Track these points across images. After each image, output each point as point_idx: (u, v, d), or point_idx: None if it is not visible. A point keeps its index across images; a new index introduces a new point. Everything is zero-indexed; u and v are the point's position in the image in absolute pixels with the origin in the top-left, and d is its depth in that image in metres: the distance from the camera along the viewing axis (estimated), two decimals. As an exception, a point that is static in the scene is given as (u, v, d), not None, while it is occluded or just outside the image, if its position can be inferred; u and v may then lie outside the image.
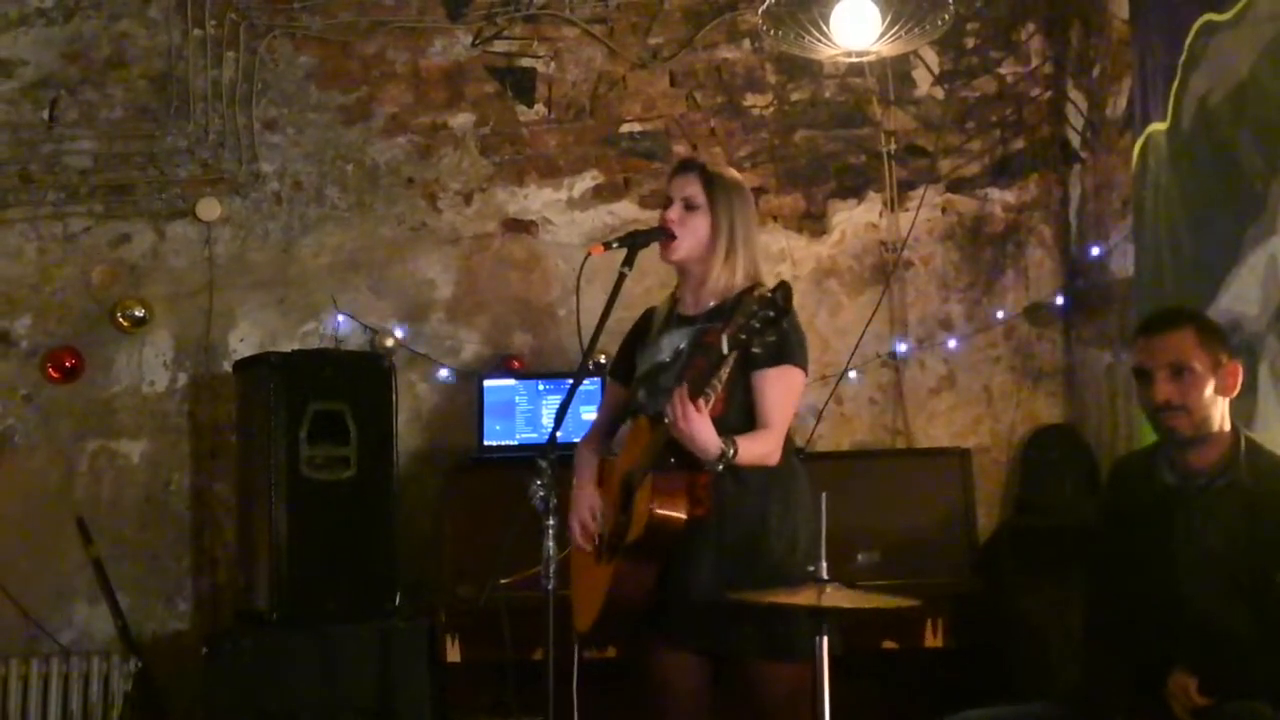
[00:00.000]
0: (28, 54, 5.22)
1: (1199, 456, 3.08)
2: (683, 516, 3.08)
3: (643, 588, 3.16)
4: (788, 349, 3.16)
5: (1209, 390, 3.04)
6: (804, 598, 2.88)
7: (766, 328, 2.85)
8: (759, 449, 3.14)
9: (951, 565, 4.54)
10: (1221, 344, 3.11)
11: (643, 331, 3.46)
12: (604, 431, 3.51)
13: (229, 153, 5.21)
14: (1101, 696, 3.09)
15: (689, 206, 3.29)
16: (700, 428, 2.99)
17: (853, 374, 5.11)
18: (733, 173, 3.41)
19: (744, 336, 2.86)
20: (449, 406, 5.14)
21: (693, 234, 3.28)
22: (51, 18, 5.23)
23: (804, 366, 3.25)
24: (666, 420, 3.02)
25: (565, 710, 3.19)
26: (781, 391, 3.19)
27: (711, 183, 3.30)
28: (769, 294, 2.86)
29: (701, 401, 2.98)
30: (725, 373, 3.02)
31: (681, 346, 3.27)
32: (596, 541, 3.29)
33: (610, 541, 3.23)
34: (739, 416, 3.16)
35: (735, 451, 3.05)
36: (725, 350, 2.88)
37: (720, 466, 3.05)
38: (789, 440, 3.25)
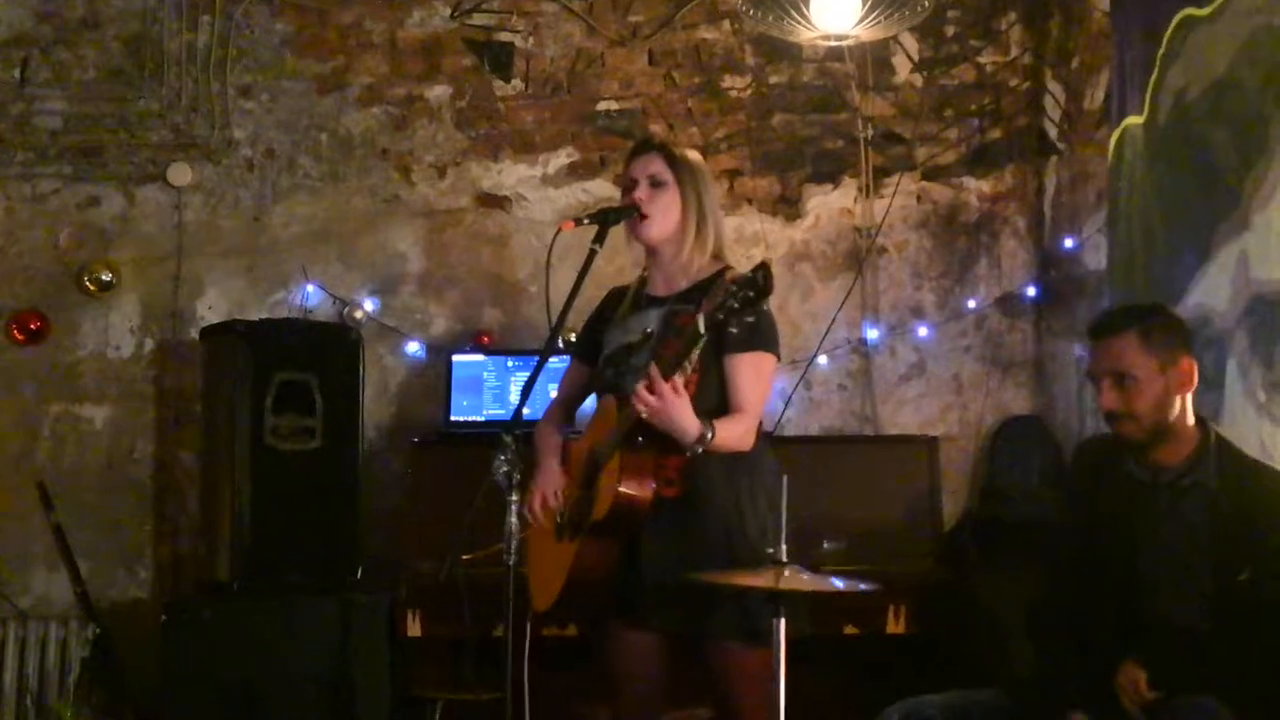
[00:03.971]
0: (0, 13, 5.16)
1: (1166, 453, 3.06)
2: (649, 496, 3.07)
3: (605, 567, 3.15)
4: (760, 334, 3.15)
5: (1157, 392, 3.01)
6: (761, 580, 2.87)
7: (746, 307, 2.81)
8: (736, 432, 3.12)
9: (916, 553, 4.54)
10: (1170, 342, 3.05)
11: (609, 311, 3.43)
12: (564, 411, 3.49)
13: (201, 118, 5.17)
14: (1052, 685, 3.09)
15: (655, 183, 3.26)
16: (679, 409, 2.97)
17: (823, 359, 5.11)
18: (693, 153, 3.39)
19: (721, 316, 2.81)
20: (417, 380, 5.13)
21: (663, 212, 3.25)
22: (25, -24, 5.18)
23: (777, 353, 3.25)
24: (637, 400, 2.99)
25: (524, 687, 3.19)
26: (755, 376, 3.18)
27: (674, 161, 3.28)
28: (750, 274, 2.83)
29: (679, 380, 2.96)
30: (696, 354, 3.00)
31: (651, 328, 3.25)
32: (557, 519, 3.27)
33: (572, 520, 3.22)
34: (710, 400, 3.14)
35: (713, 434, 3.03)
36: (702, 329, 2.85)
37: (699, 449, 3.03)
38: (759, 425, 3.24)
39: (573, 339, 4.58)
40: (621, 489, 3.05)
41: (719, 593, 3.07)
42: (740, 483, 3.19)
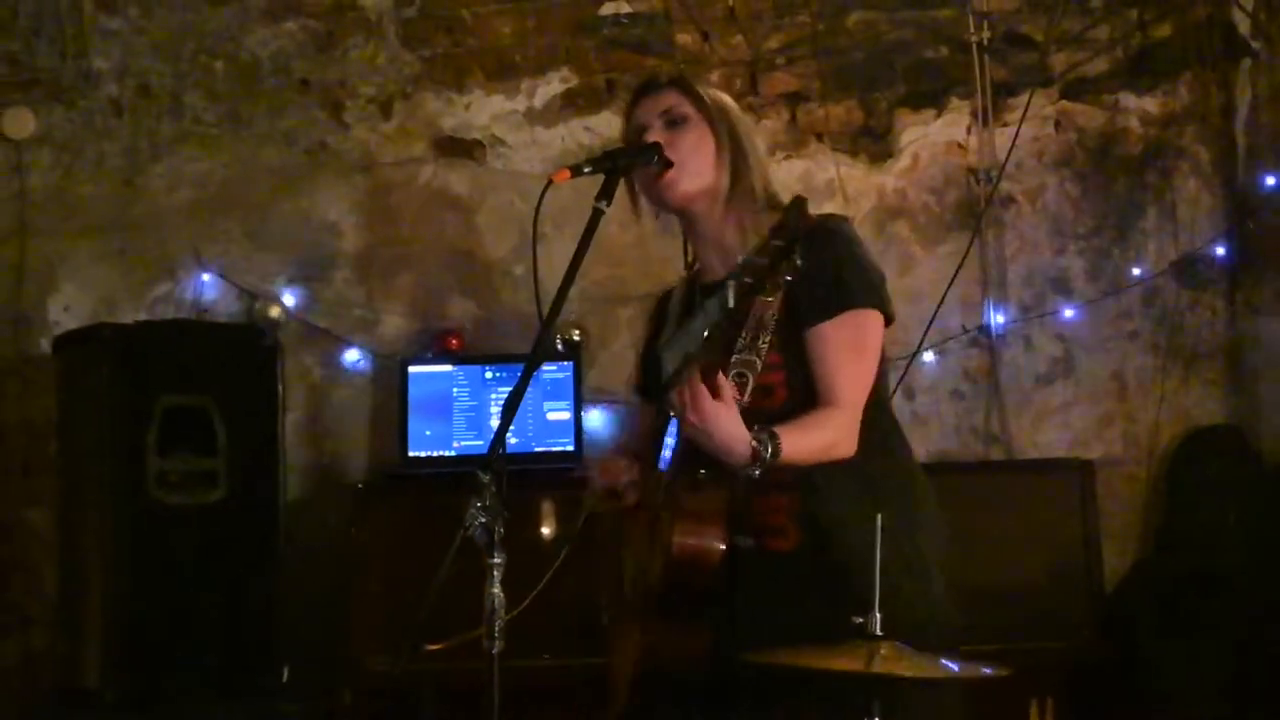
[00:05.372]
0: None
1: None
2: (715, 549, 3.02)
3: (685, 655, 3.12)
4: (847, 288, 3.10)
5: None
6: (846, 661, 2.85)
7: (780, 260, 2.75)
8: (816, 439, 3.05)
9: (1066, 624, 4.56)
10: None
11: (663, 322, 3.43)
12: None
13: (47, 44, 5.21)
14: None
15: (673, 121, 3.26)
16: (717, 419, 2.87)
17: (929, 356, 5.13)
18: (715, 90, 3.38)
19: (749, 280, 2.76)
20: (359, 402, 5.18)
21: (693, 152, 3.23)
22: None
23: (879, 307, 3.17)
24: (672, 413, 2.97)
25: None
26: (844, 348, 3.11)
27: (693, 92, 3.28)
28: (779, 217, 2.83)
29: (724, 384, 2.90)
30: (765, 341, 2.96)
31: (715, 319, 3.23)
32: (626, 591, 3.28)
33: (633, 594, 3.24)
34: (798, 402, 3.10)
35: (773, 449, 2.95)
36: (731, 302, 2.80)
37: (757, 472, 2.97)
38: (879, 414, 3.19)
39: (576, 337, 4.62)
40: (677, 539, 3.01)
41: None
42: (875, 508, 2.97)
